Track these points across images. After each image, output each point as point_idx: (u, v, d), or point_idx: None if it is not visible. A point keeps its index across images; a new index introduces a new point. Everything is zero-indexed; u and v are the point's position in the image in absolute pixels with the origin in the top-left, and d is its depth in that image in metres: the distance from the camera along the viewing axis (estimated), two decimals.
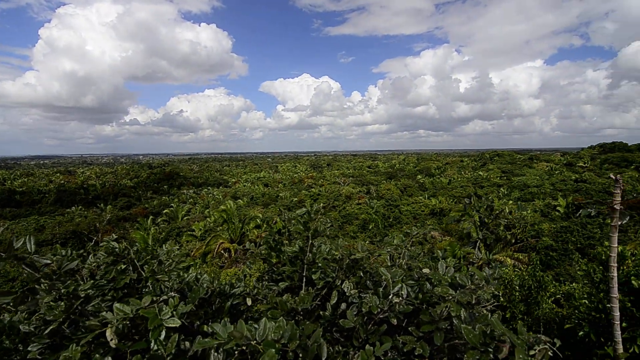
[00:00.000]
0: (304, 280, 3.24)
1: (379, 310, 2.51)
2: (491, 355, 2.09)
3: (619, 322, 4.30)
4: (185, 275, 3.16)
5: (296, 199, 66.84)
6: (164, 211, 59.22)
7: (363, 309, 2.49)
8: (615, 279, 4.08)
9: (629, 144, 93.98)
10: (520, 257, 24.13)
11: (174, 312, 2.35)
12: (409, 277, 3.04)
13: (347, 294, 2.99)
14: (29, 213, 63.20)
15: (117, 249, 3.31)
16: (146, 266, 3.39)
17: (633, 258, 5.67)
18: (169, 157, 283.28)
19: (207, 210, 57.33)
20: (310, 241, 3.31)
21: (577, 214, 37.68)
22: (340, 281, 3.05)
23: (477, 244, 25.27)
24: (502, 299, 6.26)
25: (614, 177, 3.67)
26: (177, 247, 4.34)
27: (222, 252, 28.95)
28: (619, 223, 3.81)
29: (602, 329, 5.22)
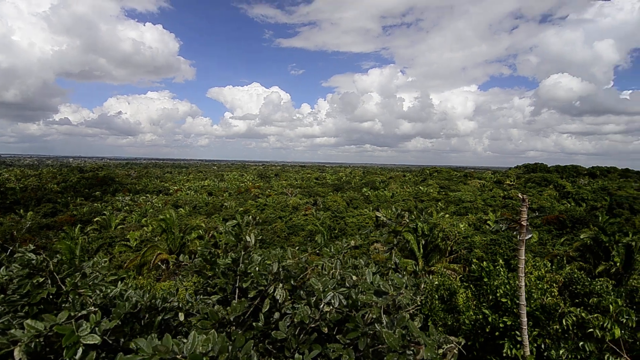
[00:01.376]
0: (237, 291, 3.24)
1: (310, 319, 2.60)
2: (410, 358, 2.27)
3: (526, 327, 4.78)
4: (109, 290, 3.01)
5: (242, 208, 65.46)
6: (95, 219, 54.77)
7: (295, 320, 2.56)
8: (523, 288, 4.57)
9: (549, 165, 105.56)
10: (456, 267, 25.71)
11: (96, 329, 2.25)
12: (341, 285, 3.17)
13: (279, 301, 3.05)
14: None
15: (33, 261, 3.07)
16: (68, 279, 3.17)
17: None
18: (104, 161, 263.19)
19: (145, 219, 54.07)
20: (242, 252, 3.33)
21: (491, 229, 41.21)
22: (272, 289, 3.10)
23: (390, 250, 26.50)
24: (424, 309, 6.67)
25: (521, 197, 4.16)
26: (107, 259, 4.10)
27: (160, 263, 27.37)
28: (526, 237, 4.31)
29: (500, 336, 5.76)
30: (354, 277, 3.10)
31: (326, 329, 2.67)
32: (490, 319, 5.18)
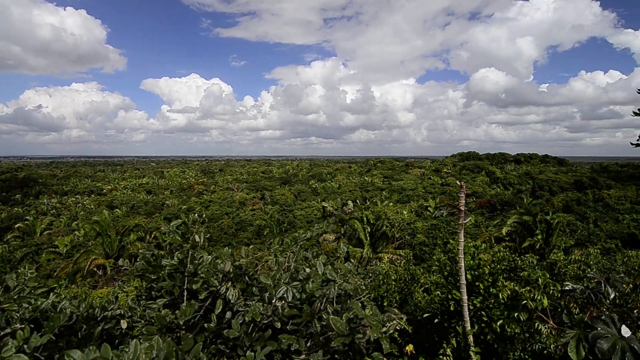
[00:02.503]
0: (185, 293, 3.11)
1: (262, 316, 2.57)
2: (360, 340, 2.34)
3: (467, 305, 5.18)
4: (39, 302, 2.73)
5: (185, 206, 62.73)
6: (17, 225, 49.16)
7: (247, 318, 2.52)
8: (463, 269, 4.94)
9: (480, 153, 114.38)
10: (402, 253, 26.98)
11: (25, 346, 2.04)
12: (294, 279, 3.18)
13: (232, 302, 2.98)
14: None
15: None
16: None
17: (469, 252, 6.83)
18: (24, 161, 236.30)
19: (76, 222, 49.76)
20: (190, 252, 3.20)
21: (432, 215, 44.09)
22: (225, 289, 3.02)
23: (338, 240, 27.60)
24: (380, 289, 6.95)
25: (459, 183, 4.47)
26: (33, 269, 3.71)
27: (96, 269, 25.41)
28: (465, 222, 4.66)
29: (451, 315, 6.16)
30: (307, 270, 3.13)
31: (279, 324, 2.67)
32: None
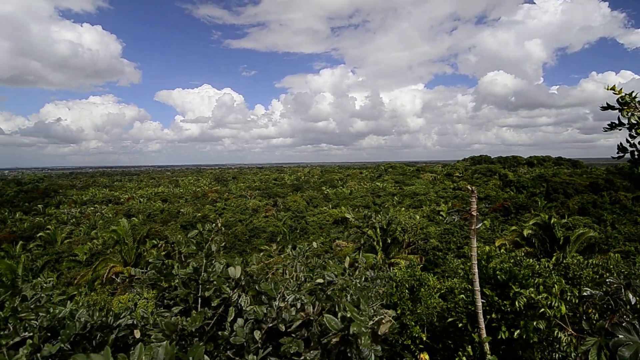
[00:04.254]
0: (199, 301, 3.15)
1: (265, 317, 2.61)
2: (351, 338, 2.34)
3: (481, 311, 5.08)
4: (57, 311, 2.80)
5: (199, 214, 63.46)
6: (38, 234, 50.57)
7: (249, 317, 2.56)
8: (477, 274, 4.86)
9: (492, 157, 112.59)
10: (414, 258, 26.66)
11: (37, 355, 2.09)
12: (300, 285, 3.19)
13: (244, 309, 3.00)
14: None
15: None
16: (7, 304, 2.92)
17: (496, 255, 6.78)
18: (45, 172, 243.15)
19: (94, 231, 50.84)
20: (205, 261, 3.24)
21: (445, 220, 43.46)
22: (237, 296, 3.05)
23: (359, 250, 27.35)
24: (394, 297, 6.89)
25: (470, 188, 4.42)
26: (52, 278, 3.81)
27: (114, 276, 25.86)
28: (477, 227, 4.59)
29: (474, 319, 6.07)
30: (319, 280, 3.12)
31: (283, 327, 2.67)
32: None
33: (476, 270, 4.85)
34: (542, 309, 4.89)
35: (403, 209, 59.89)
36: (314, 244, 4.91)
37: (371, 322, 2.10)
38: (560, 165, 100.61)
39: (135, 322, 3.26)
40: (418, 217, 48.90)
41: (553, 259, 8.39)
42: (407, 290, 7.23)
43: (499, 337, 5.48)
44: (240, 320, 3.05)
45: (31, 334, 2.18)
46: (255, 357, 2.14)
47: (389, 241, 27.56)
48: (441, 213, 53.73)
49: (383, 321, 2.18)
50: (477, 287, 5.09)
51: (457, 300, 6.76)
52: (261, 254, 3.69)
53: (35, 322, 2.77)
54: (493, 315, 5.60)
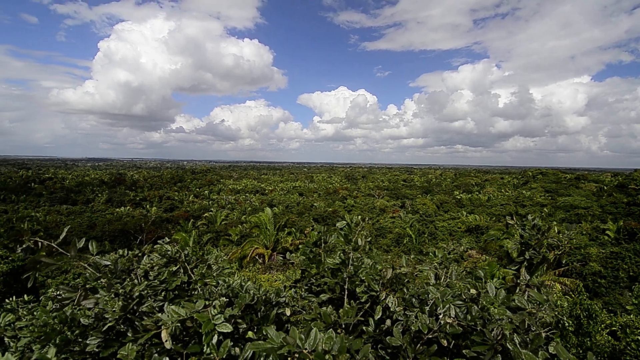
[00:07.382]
0: (346, 292, 3.22)
1: (428, 329, 2.44)
2: None
3: None
4: (231, 281, 3.24)
5: (330, 209, 66.81)
6: (204, 215, 61.30)
7: (412, 328, 2.43)
8: None
9: None
10: (567, 282, 22.50)
11: (225, 317, 2.41)
12: (457, 297, 2.94)
13: (391, 309, 2.94)
14: (82, 211, 67.82)
15: (169, 252, 3.48)
16: (196, 269, 3.53)
17: None
18: (211, 164, 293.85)
19: (244, 216, 58.69)
20: (351, 254, 3.30)
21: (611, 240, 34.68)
22: (384, 295, 3.00)
23: (521, 265, 23.90)
24: (555, 334, 5.90)
25: None
26: (224, 253, 4.47)
27: (256, 257, 29.43)
28: None
29: None
30: (472, 290, 2.84)
31: (446, 341, 2.49)
32: None
33: None
34: None
35: (555, 222, 50.90)
36: (461, 248, 4.54)
37: None
38: None
39: (287, 301, 3.55)
40: (574, 234, 40.99)
41: None
42: (570, 321, 6.09)
43: None
44: (388, 321, 3.01)
45: (223, 299, 2.55)
46: None
47: (540, 257, 23.88)
48: (607, 232, 43.80)
49: None
50: None
51: (630, 340, 5.46)
52: (411, 257, 3.55)
53: (216, 288, 3.27)
54: None
